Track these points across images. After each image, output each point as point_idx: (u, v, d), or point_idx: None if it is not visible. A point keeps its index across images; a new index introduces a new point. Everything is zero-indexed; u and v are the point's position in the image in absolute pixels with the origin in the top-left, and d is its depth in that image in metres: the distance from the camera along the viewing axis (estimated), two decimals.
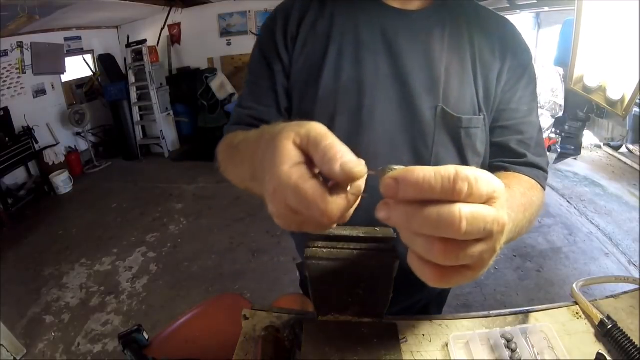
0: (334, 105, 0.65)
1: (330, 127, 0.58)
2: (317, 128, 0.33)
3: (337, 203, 0.31)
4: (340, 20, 0.66)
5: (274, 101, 0.70)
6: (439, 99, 0.64)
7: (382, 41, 0.64)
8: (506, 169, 0.68)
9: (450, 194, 0.27)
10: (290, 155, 0.32)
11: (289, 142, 0.32)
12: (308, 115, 0.68)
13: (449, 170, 0.27)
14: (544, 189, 0.69)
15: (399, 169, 0.29)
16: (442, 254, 0.27)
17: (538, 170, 0.69)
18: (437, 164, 0.66)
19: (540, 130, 0.73)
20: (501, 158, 0.70)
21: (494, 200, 0.28)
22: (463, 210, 0.26)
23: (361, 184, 0.32)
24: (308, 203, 0.30)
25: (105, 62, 4.89)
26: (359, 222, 0.48)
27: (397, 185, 0.28)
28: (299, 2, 0.70)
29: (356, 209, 0.34)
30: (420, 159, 0.66)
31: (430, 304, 0.91)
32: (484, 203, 0.28)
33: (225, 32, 5.38)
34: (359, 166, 0.30)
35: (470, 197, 0.27)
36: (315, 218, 0.31)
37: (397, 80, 0.64)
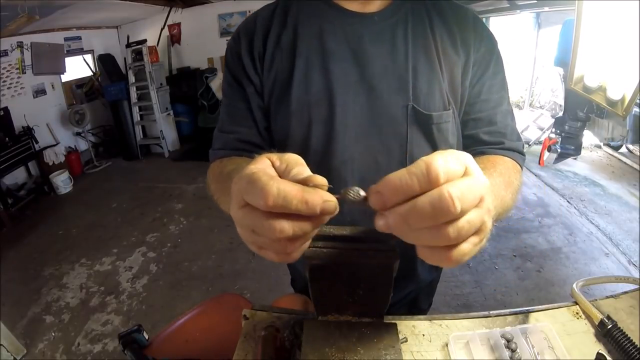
0: (308, 116, 0.66)
1: (306, 138, 0.66)
2: (292, 155, 0.34)
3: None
4: (303, 31, 0.67)
5: (253, 122, 0.71)
6: (408, 98, 0.64)
7: (348, 48, 0.65)
8: (483, 153, 0.69)
9: (430, 185, 0.28)
10: (262, 161, 0.33)
11: (264, 157, 0.34)
12: (285, 129, 0.69)
13: (420, 165, 0.29)
14: (522, 168, 0.70)
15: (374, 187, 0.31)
16: (450, 234, 0.29)
17: (514, 152, 0.70)
18: (411, 161, 0.66)
19: (512, 116, 0.74)
20: (478, 147, 0.71)
21: (469, 170, 0.31)
22: (451, 191, 0.28)
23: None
24: (258, 186, 0.29)
25: (105, 62, 4.89)
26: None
27: (382, 197, 0.30)
28: (261, 17, 0.70)
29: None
30: (395, 159, 0.67)
31: (420, 295, 0.91)
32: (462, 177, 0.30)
33: (225, 32, 5.38)
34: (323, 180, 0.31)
35: (448, 179, 0.29)
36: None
37: (366, 84, 0.65)
